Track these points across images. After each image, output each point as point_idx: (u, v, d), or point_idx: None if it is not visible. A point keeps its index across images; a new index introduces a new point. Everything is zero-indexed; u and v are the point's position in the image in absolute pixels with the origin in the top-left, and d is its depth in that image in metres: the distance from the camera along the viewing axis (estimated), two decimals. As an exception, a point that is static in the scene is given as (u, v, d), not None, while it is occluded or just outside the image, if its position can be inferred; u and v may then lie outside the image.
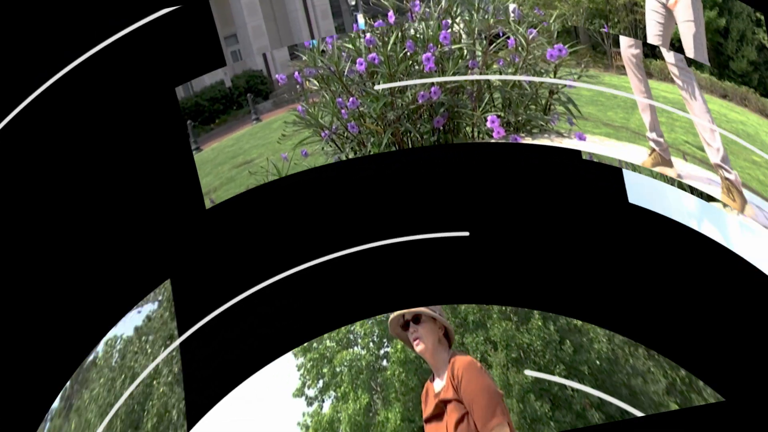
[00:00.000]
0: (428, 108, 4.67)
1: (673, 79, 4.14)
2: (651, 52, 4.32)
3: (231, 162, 5.24)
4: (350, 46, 4.74)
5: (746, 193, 4.03)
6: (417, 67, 4.60)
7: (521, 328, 4.27)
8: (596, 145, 4.40)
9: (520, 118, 4.58)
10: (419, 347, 3.50)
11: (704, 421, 3.80)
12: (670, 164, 4.17)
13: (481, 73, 4.52)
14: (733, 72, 4.30)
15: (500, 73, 4.52)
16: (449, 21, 4.60)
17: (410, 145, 4.79)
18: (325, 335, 4.59)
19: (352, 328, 4.59)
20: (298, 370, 4.61)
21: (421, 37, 4.58)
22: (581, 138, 4.44)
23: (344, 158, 4.93)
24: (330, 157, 5.00)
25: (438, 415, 3.44)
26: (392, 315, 3.62)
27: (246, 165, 5.17)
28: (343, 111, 4.84)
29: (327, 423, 4.48)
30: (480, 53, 4.55)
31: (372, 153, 4.81)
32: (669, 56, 4.14)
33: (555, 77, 4.51)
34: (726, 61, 4.31)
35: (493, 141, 4.56)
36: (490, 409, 3.25)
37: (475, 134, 4.68)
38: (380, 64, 4.60)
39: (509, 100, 4.57)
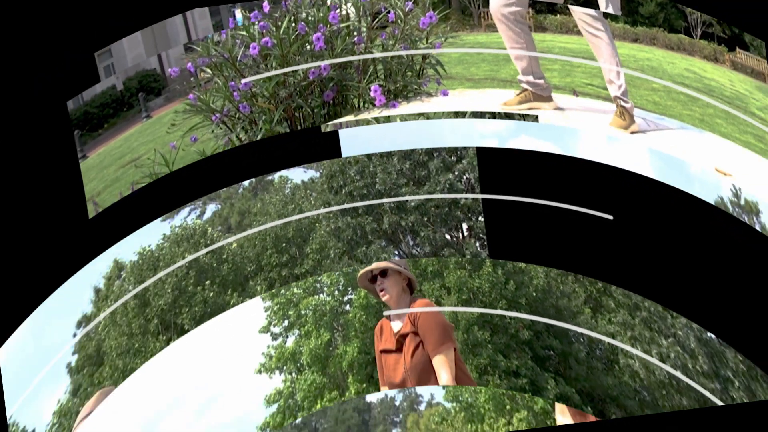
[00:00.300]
0: (319, 83, 5.06)
1: (581, 32, 4.94)
2: (548, 8, 5.11)
3: (117, 163, 5.39)
4: (244, 33, 5.07)
5: (636, 111, 4.86)
6: (308, 47, 5.01)
7: (473, 275, 4.96)
8: (457, 99, 5.11)
9: (398, 85, 5.10)
10: (385, 297, 4.19)
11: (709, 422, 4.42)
12: (547, 100, 4.94)
13: (366, 48, 5.01)
14: (642, 16, 5.17)
15: (383, 46, 5.05)
16: (338, 3, 5.08)
17: (302, 120, 5.13)
18: (293, 283, 5.07)
19: (319, 278, 5.07)
20: (265, 311, 5.00)
21: (312, 19, 5.02)
22: (445, 94, 5.11)
23: (234, 138, 5.18)
24: (220, 139, 5.22)
25: (397, 349, 4.09)
26: (361, 270, 4.24)
27: (133, 163, 5.32)
28: (235, 93, 5.10)
29: (290, 354, 4.91)
30: (365, 29, 5.06)
31: (263, 130, 5.09)
32: (582, 11, 4.91)
33: (427, 43, 5.10)
34: (636, 8, 5.18)
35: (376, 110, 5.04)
36: (441, 337, 3.99)
37: (361, 104, 5.13)
38: (273, 47, 4.96)
39: (390, 69, 5.09)
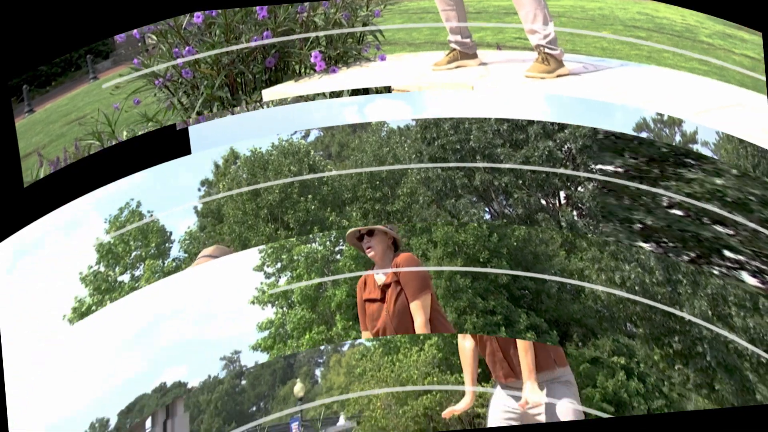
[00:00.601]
0: (261, 50, 5.12)
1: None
2: (478, -30, 5.25)
3: (63, 120, 5.58)
4: (190, 0, 5.02)
5: (573, 57, 5.08)
6: (252, 16, 5.04)
7: (459, 230, 5.28)
8: (394, 62, 5.30)
9: (338, 51, 5.20)
10: (371, 254, 4.33)
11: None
12: (473, 57, 5.15)
13: (308, 16, 5.07)
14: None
15: (324, 14, 5.14)
16: (284, -28, 5.11)
17: (243, 86, 5.22)
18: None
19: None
20: (259, 252, 5.34)
21: (257, -13, 5.01)
22: (383, 59, 5.27)
23: (176, 102, 5.30)
24: (162, 103, 5.36)
25: (381, 299, 4.30)
26: (350, 229, 4.40)
27: (78, 120, 5.48)
28: (178, 60, 5.13)
29: (281, 292, 5.27)
30: (308, -2, 5.09)
31: (204, 95, 5.17)
32: None
33: (367, 11, 5.25)
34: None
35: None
36: (420, 285, 4.21)
37: (302, 70, 5.24)
38: (217, 15, 4.99)
39: (331, 36, 5.17)
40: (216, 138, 5.08)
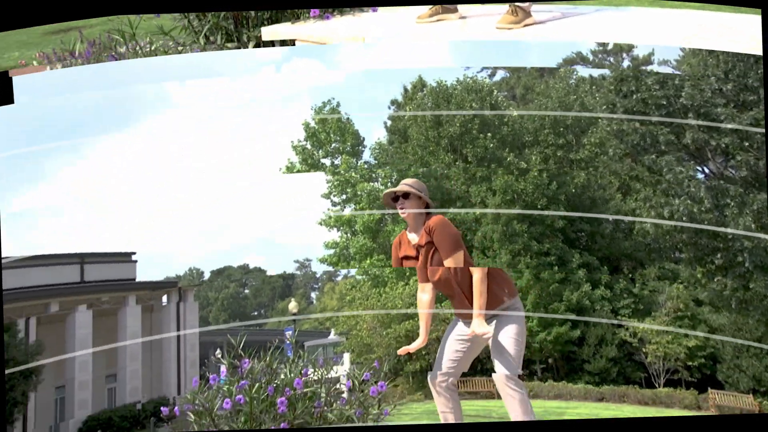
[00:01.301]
0: None
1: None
2: (468, -52, 5.26)
3: None
4: None
5: (544, 6, 5.19)
6: None
7: (519, 179, 5.23)
8: (386, 13, 5.41)
9: None
10: (404, 214, 4.74)
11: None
12: (453, 11, 5.26)
13: None
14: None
15: None
16: None
17: (247, 20, 5.25)
18: (351, 169, 5.59)
19: (375, 170, 5.57)
20: (327, 183, 5.68)
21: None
22: (374, 10, 5.38)
23: (187, 23, 5.59)
24: (177, 21, 5.57)
25: (414, 257, 4.75)
26: (387, 190, 4.71)
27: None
28: None
29: (346, 221, 5.69)
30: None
31: (211, 22, 5.36)
32: None
33: None
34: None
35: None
36: (452, 246, 4.65)
37: (300, 13, 5.19)
38: None
39: None
40: (46, 90, 5.37)
